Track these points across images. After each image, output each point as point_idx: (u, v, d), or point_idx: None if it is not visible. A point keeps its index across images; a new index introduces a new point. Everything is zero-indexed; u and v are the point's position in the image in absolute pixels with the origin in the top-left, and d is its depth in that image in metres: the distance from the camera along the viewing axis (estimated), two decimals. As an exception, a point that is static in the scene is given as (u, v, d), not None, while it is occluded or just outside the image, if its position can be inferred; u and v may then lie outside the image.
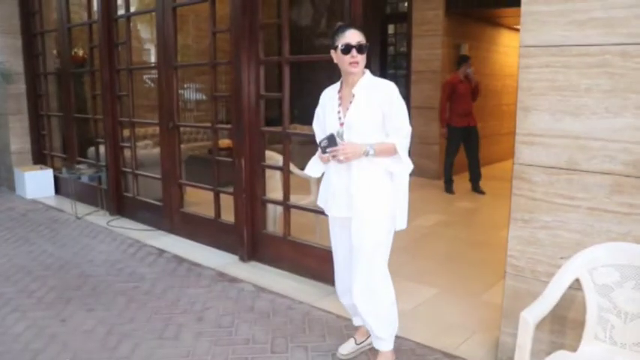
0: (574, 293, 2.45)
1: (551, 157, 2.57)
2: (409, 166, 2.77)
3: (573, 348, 2.38)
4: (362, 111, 2.74)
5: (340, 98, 2.86)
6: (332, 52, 2.79)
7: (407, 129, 2.75)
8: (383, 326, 2.91)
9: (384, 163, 2.76)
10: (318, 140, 2.93)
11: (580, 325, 2.40)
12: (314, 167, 3.07)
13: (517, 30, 9.89)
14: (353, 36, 2.70)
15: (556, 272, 2.42)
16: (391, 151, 2.72)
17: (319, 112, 3.01)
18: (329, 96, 2.94)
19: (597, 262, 2.34)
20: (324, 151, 2.74)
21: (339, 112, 2.83)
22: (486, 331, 3.31)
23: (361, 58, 2.71)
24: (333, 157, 2.72)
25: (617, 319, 2.30)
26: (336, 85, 2.93)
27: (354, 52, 2.68)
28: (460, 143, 7.34)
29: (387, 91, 2.73)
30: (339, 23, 2.87)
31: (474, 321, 3.50)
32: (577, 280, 2.36)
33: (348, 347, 3.12)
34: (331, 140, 2.71)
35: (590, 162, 2.47)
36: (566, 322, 2.61)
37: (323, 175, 3.06)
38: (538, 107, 2.58)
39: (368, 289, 2.86)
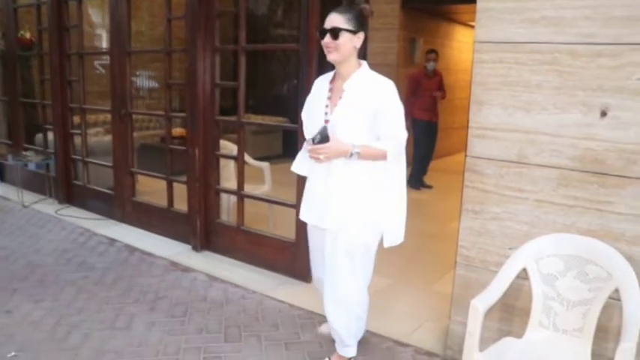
0: (521, 282, 2.54)
1: (502, 150, 2.64)
2: (399, 176, 2.59)
3: (520, 335, 2.47)
4: (350, 110, 2.52)
5: (331, 90, 2.63)
6: None
7: (402, 136, 2.53)
8: (351, 334, 2.80)
9: (365, 167, 2.54)
10: (306, 133, 2.72)
11: (527, 313, 2.50)
12: (300, 164, 2.86)
13: (471, 26, 10.08)
14: (329, 19, 2.48)
15: (505, 262, 2.50)
16: (379, 157, 2.51)
17: (310, 102, 2.78)
18: (320, 86, 2.71)
19: (543, 252, 2.44)
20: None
21: (327, 106, 2.60)
22: (437, 320, 3.39)
23: (335, 45, 2.46)
24: (312, 156, 2.50)
25: (560, 306, 2.40)
26: (329, 75, 2.69)
27: (327, 37, 2.46)
28: (427, 135, 7.26)
29: (382, 89, 2.51)
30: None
31: (425, 310, 3.58)
32: (524, 270, 2.45)
33: None
34: (323, 135, 2.42)
35: (539, 156, 2.55)
36: (513, 310, 2.70)
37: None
38: (491, 102, 2.64)
39: (341, 303, 2.72)
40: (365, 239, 2.65)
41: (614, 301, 2.30)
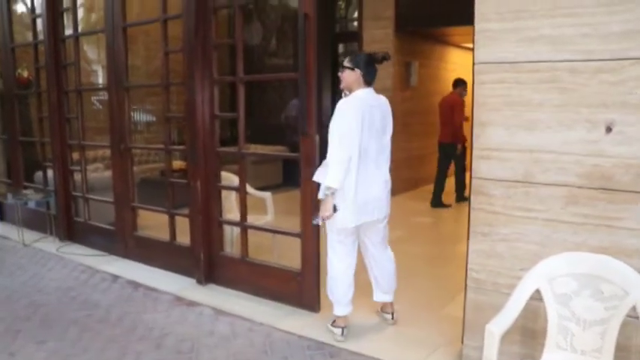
0: (535, 304, 2.49)
1: (507, 170, 2.63)
2: (329, 184, 3.18)
3: (537, 358, 2.41)
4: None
5: None
6: None
7: (331, 148, 3.19)
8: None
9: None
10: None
11: (542, 335, 2.44)
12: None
13: (465, 48, 10.15)
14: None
15: (517, 284, 2.46)
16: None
17: None
18: None
19: (556, 272, 2.40)
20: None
21: None
22: (449, 345, 3.33)
23: (342, 77, 3.38)
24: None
25: (576, 326, 2.35)
26: None
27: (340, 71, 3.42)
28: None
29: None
30: None
31: (437, 335, 3.51)
32: (537, 291, 2.41)
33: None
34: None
35: (545, 174, 2.54)
36: (529, 332, 2.66)
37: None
38: (493, 122, 2.64)
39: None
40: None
41: (632, 320, 2.25)
